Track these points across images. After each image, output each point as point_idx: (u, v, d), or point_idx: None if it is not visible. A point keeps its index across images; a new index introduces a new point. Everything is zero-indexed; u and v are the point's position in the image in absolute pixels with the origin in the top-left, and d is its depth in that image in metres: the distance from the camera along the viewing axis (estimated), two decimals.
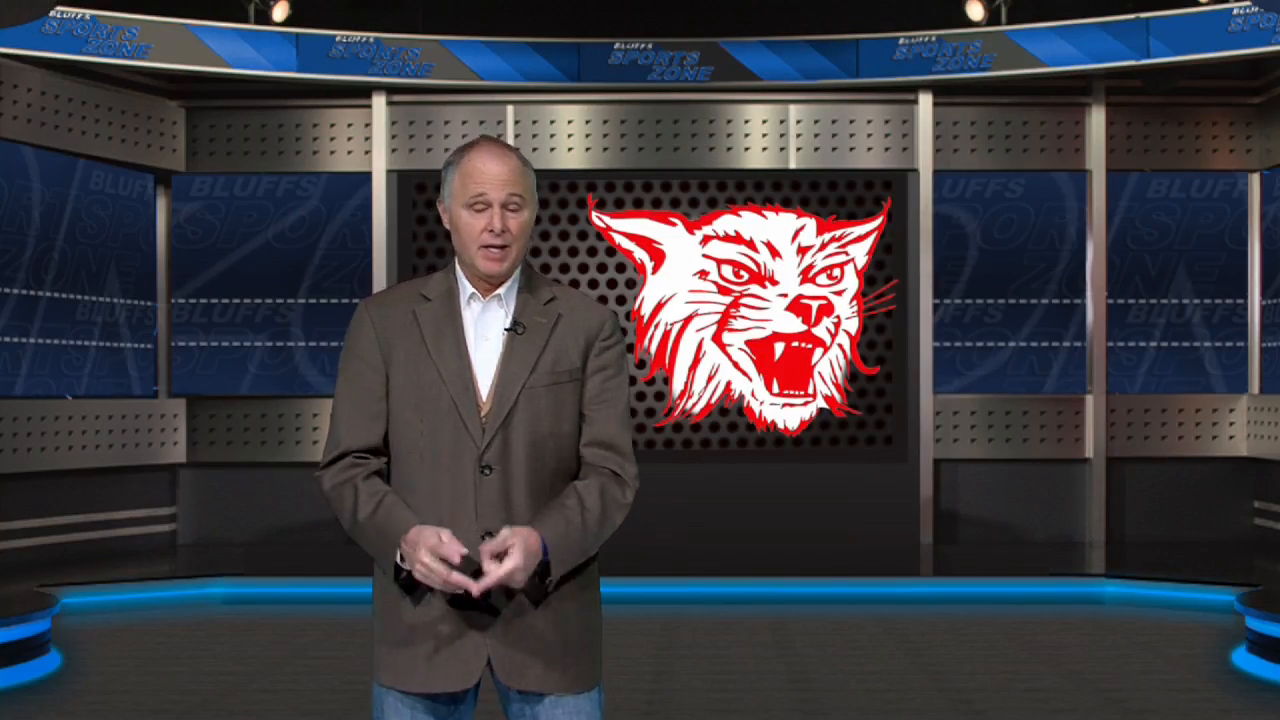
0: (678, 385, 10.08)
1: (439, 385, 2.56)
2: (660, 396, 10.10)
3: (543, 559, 2.49)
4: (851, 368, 10.09)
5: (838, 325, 10.03)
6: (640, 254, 10.08)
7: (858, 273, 10.11)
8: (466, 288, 2.63)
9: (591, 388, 2.63)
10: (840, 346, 10.05)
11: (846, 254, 10.10)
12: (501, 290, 2.62)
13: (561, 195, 10.16)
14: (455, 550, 2.42)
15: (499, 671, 2.56)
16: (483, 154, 2.57)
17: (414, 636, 2.56)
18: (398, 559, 2.51)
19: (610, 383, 2.64)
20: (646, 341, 10.05)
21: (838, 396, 10.07)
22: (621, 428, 2.65)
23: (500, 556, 2.42)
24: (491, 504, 2.54)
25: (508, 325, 2.61)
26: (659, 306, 10.04)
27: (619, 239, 10.09)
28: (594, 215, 10.10)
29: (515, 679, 2.56)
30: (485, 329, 2.61)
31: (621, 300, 10.08)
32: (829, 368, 10.04)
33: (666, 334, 10.04)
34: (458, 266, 2.65)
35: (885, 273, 10.17)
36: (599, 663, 2.66)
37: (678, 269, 10.05)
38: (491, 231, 2.55)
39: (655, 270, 10.07)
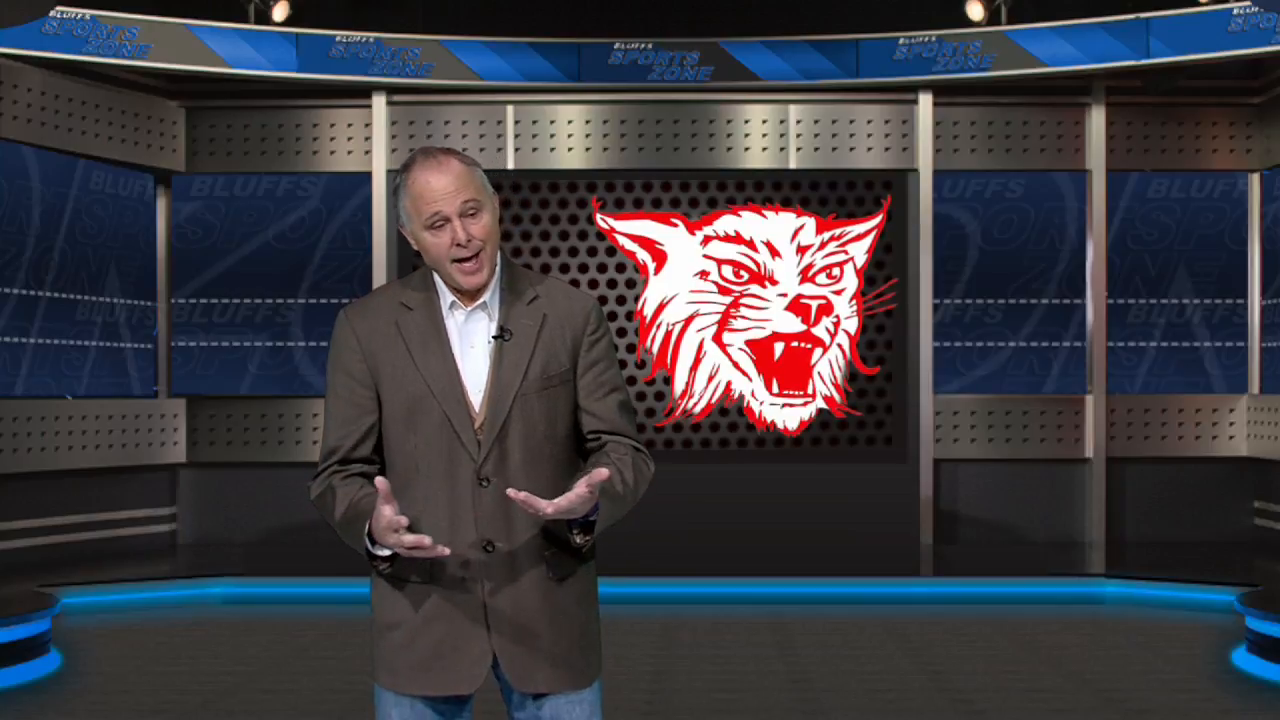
0: (679, 385, 10.07)
1: (428, 399, 2.54)
2: (661, 397, 10.10)
3: (589, 516, 2.49)
4: (851, 368, 10.07)
5: (837, 325, 10.01)
6: (642, 255, 10.07)
7: (857, 272, 10.10)
8: (447, 295, 2.60)
9: (587, 383, 2.62)
10: (840, 346, 10.04)
11: (846, 253, 10.08)
12: (486, 296, 2.59)
13: (562, 195, 10.15)
14: (398, 517, 2.38)
15: (509, 676, 2.56)
16: (424, 171, 2.52)
17: (415, 639, 2.56)
18: (372, 548, 2.50)
19: (604, 375, 2.64)
20: (648, 342, 10.05)
21: (837, 396, 10.06)
22: (626, 414, 2.66)
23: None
24: (491, 514, 2.53)
25: (494, 333, 2.58)
26: (660, 307, 10.03)
27: (621, 240, 10.08)
28: (598, 217, 10.09)
29: (526, 683, 2.56)
30: (471, 336, 2.58)
31: (622, 300, 10.07)
32: (829, 368, 10.03)
33: (668, 334, 10.04)
34: (435, 274, 2.63)
35: (885, 272, 10.15)
36: (600, 655, 2.67)
37: (679, 269, 10.04)
38: (459, 245, 2.52)
39: (657, 271, 10.06)
